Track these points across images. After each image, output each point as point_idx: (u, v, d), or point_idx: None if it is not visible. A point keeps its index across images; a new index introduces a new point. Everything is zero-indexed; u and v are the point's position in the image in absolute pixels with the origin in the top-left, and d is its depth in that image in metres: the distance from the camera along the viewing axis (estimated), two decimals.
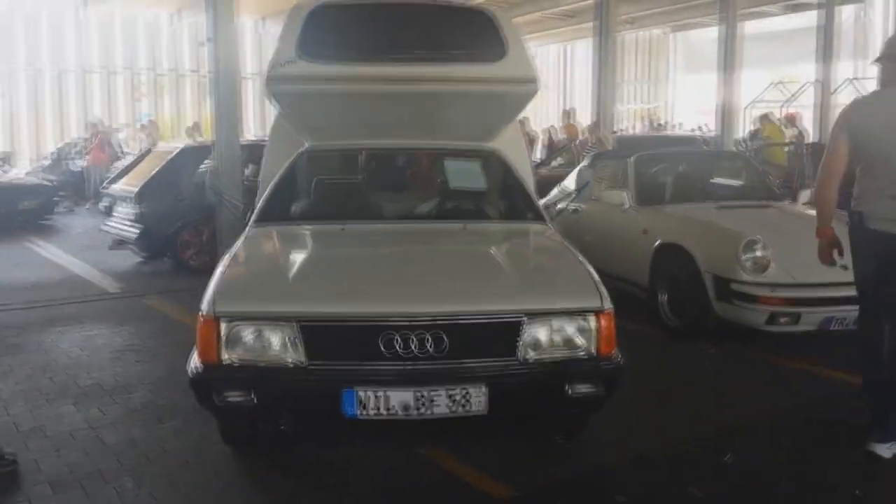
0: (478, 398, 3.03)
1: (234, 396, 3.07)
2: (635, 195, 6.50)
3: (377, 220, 4.49)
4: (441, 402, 3.01)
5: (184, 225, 8.52)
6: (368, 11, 4.60)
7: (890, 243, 3.60)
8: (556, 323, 3.17)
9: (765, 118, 13.82)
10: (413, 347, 3.03)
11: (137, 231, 8.45)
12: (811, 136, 14.25)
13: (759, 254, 5.28)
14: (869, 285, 3.80)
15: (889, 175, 3.60)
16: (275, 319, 3.09)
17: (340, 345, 3.07)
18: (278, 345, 3.08)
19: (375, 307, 3.11)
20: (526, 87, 4.51)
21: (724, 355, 5.40)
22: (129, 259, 9.36)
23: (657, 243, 5.97)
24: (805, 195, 6.83)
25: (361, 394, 3.00)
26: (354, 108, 4.60)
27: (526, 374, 3.10)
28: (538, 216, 4.51)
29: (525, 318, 3.13)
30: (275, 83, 4.37)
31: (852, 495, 3.39)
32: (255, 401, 3.05)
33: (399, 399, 3.00)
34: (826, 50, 14.11)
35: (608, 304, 3.24)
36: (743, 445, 3.83)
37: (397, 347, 3.03)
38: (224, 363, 3.09)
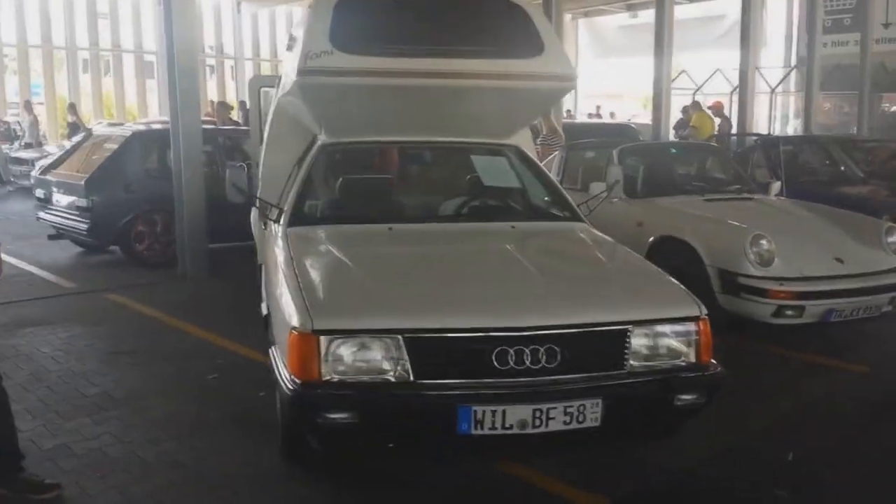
0: (593, 412, 2.96)
1: (339, 415, 2.88)
2: (624, 187, 6.53)
3: (421, 221, 4.32)
4: (557, 417, 2.93)
5: (136, 216, 8.02)
6: (402, 1, 4.39)
7: None
8: (661, 332, 3.12)
9: (695, 106, 14.20)
10: (527, 361, 2.92)
11: (86, 222, 7.88)
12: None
13: (765, 248, 5.41)
14: None
15: None
16: (379, 334, 2.92)
17: (450, 359, 2.93)
18: (383, 360, 2.91)
19: (487, 320, 2.98)
20: (565, 83, 4.45)
21: (733, 349, 5.51)
22: (67, 250, 8.77)
23: (655, 237, 6.03)
24: (776, 187, 7.08)
25: (478, 411, 2.87)
26: (384, 102, 4.39)
27: (637, 385, 3.05)
28: (576, 215, 4.46)
29: (632, 328, 3.07)
30: (310, 75, 4.11)
31: None
32: (361, 419, 2.88)
33: (516, 416, 2.90)
34: (745, 39, 14.56)
35: (705, 311, 3.22)
36: (796, 440, 3.92)
37: (511, 361, 2.91)
38: (326, 381, 2.89)
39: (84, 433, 3.95)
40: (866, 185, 9.02)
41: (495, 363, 2.91)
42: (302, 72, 4.08)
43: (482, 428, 2.88)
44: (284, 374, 3.01)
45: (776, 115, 22.28)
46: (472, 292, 3.26)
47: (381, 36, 4.18)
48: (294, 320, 2.98)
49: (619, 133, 12.17)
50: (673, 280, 3.43)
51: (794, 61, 23.10)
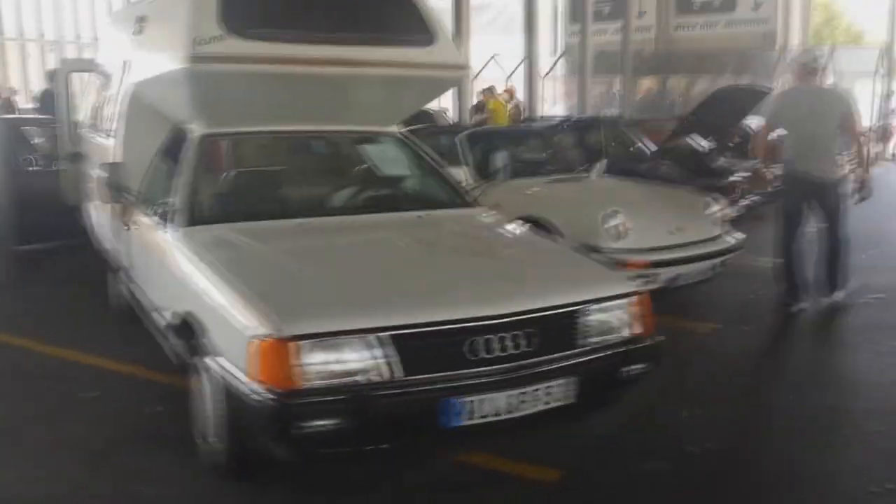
0: (567, 390, 3.06)
1: (324, 421, 2.74)
2: (474, 171, 6.71)
3: (327, 214, 4.16)
4: (538, 399, 3.00)
5: None
6: None
7: None
8: (611, 308, 3.28)
9: (488, 92, 14.76)
10: (508, 347, 2.95)
11: None
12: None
13: (620, 222, 5.82)
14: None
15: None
16: (357, 334, 2.80)
17: (433, 354, 2.88)
18: (367, 361, 2.80)
19: (468, 311, 2.96)
20: (459, 72, 4.49)
21: None
22: None
23: (515, 217, 6.23)
24: (602, 166, 7.59)
25: (460, 402, 2.86)
26: (271, 90, 4.17)
27: (602, 359, 3.19)
28: (471, 199, 4.53)
29: (589, 307, 3.19)
30: (200, 62, 3.79)
31: None
32: (348, 423, 2.75)
33: (500, 402, 2.93)
34: (529, 26, 15.41)
35: (640, 287, 3.42)
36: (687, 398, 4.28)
37: (493, 349, 2.93)
38: (306, 388, 2.72)
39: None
40: (657, 162, 9.95)
41: (475, 353, 2.90)
42: (193, 59, 3.76)
43: (468, 418, 2.88)
44: (247, 386, 2.79)
45: (546, 98, 23.80)
46: (440, 285, 3.23)
47: (274, 20, 3.98)
48: (258, 328, 2.78)
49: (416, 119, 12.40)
50: (600, 262, 3.61)
51: (559, 49, 24.78)
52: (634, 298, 3.36)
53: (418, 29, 4.31)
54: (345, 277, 3.27)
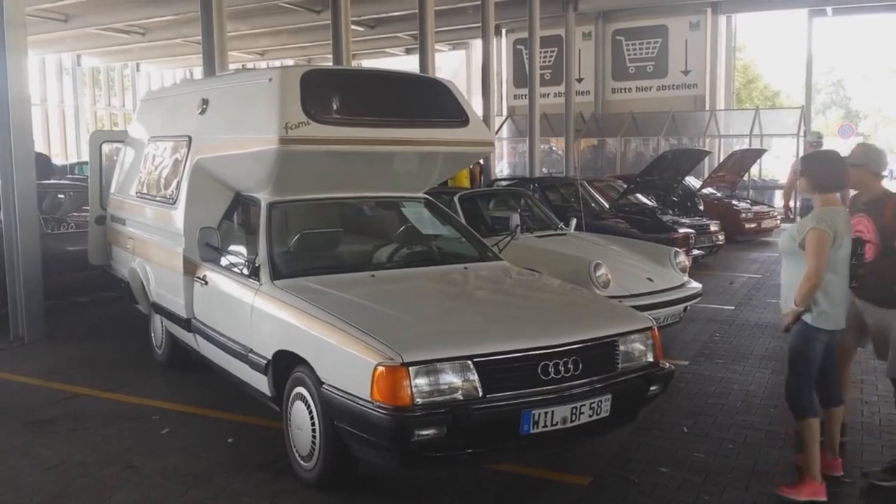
0: (606, 405, 3.86)
1: (429, 432, 3.47)
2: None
3: (388, 267, 4.93)
4: (585, 412, 3.79)
5: None
6: (350, 77, 5.05)
7: None
8: (634, 340, 4.12)
9: None
10: (562, 371, 3.75)
11: None
12: None
13: (603, 272, 6.71)
14: None
15: None
16: (453, 361, 3.57)
17: (509, 375, 3.66)
18: (459, 382, 3.56)
19: (533, 342, 3.76)
20: (488, 147, 5.38)
21: None
22: None
23: None
24: (574, 223, 8.54)
25: (535, 413, 3.63)
26: (335, 164, 4.95)
27: (629, 381, 4.01)
28: (496, 255, 5.38)
29: (619, 339, 4.03)
30: (291, 144, 4.56)
31: None
32: (448, 432, 3.49)
33: (560, 414, 3.71)
34: (485, 89, 16.53)
35: (655, 324, 4.29)
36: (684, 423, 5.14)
37: (551, 373, 3.72)
38: (416, 404, 3.47)
39: None
40: (613, 218, 10.99)
41: (541, 375, 3.70)
42: (284, 140, 4.52)
43: (538, 427, 3.66)
44: (370, 405, 3.51)
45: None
46: (511, 321, 4.06)
47: (345, 108, 4.80)
48: (378, 356, 3.52)
49: None
50: (621, 303, 4.48)
51: (504, 111, 26.18)
52: (652, 332, 4.22)
53: (456, 113, 5.21)
54: (432, 317, 4.09)
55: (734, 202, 15.87)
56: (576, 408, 3.75)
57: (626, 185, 12.82)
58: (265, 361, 4.34)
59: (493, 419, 3.60)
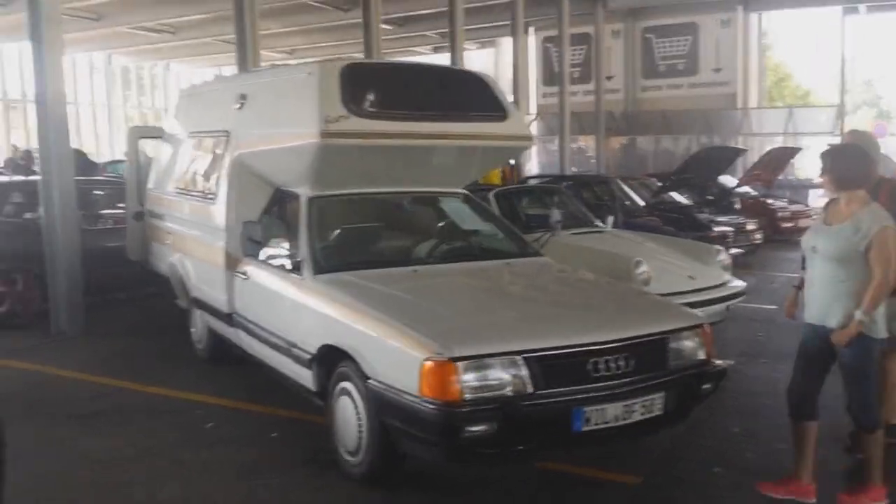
0: (658, 403, 3.78)
1: (480, 427, 3.41)
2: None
3: (430, 262, 4.87)
4: (637, 410, 3.71)
5: None
6: (389, 71, 5.01)
7: None
8: (684, 337, 4.03)
9: None
10: (612, 368, 3.68)
11: None
12: None
13: (644, 270, 6.61)
14: None
15: None
16: (503, 356, 3.51)
17: (559, 371, 3.59)
18: (509, 378, 3.50)
19: (585, 338, 3.69)
20: (526, 142, 5.31)
21: None
22: None
23: None
24: (611, 221, 8.44)
25: (587, 411, 3.57)
26: (374, 159, 4.91)
27: (682, 379, 3.92)
28: (536, 250, 5.31)
29: (670, 336, 3.95)
30: (331, 138, 4.53)
31: None
32: (498, 429, 3.43)
33: (612, 412, 3.63)
34: (516, 93, 16.47)
35: (706, 320, 4.20)
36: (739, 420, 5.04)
37: (602, 370, 3.65)
38: (465, 400, 3.41)
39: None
40: (648, 216, 10.86)
41: (591, 371, 3.63)
42: (324, 134, 4.49)
43: (589, 425, 3.58)
44: (418, 400, 3.46)
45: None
46: (561, 316, 3.98)
47: (385, 102, 4.75)
48: (426, 351, 3.47)
49: None
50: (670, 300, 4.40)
51: (533, 110, 26.08)
52: (704, 329, 4.13)
53: (494, 108, 5.15)
54: (478, 312, 4.02)
55: (770, 201, 15.64)
56: (628, 406, 3.66)
57: (660, 184, 12.71)
58: (309, 356, 4.30)
59: (544, 416, 3.53)
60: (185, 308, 6.53)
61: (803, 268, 3.94)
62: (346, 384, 4.00)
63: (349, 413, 3.97)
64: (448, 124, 4.91)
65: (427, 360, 3.45)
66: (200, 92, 7.00)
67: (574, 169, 22.65)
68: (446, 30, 22.35)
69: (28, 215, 7.91)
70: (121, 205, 8.24)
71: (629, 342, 3.76)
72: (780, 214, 15.00)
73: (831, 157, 3.79)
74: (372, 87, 4.82)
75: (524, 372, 3.52)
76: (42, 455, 4.37)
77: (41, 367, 6.25)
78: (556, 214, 5.96)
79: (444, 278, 4.63)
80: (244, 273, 5.19)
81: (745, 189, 15.25)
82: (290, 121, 4.85)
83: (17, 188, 8.63)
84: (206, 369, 6.18)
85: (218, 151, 5.73)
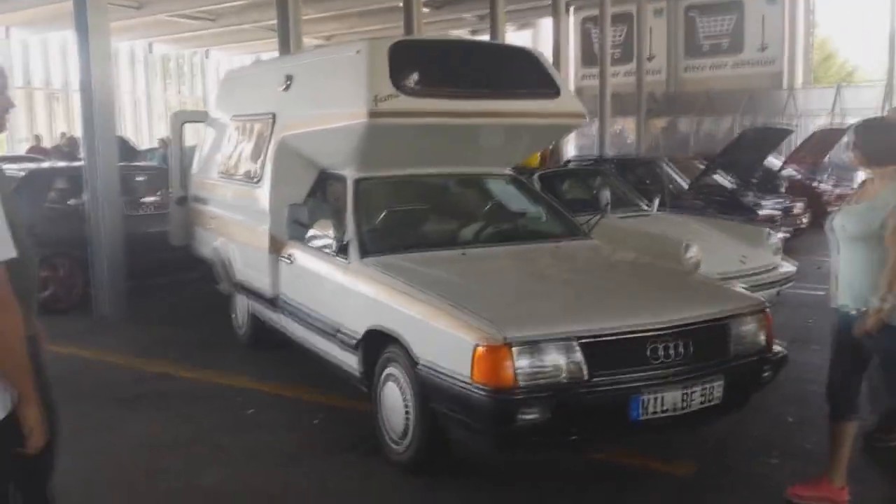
0: (718, 391, 3.62)
1: (534, 414, 3.29)
2: None
3: (478, 245, 4.74)
4: (697, 398, 3.55)
5: (38, 262, 7.47)
6: (438, 48, 4.87)
7: None
8: (745, 321, 3.86)
9: None
10: (672, 353, 3.52)
11: None
12: None
13: (695, 253, 6.41)
14: None
15: None
16: (558, 340, 3.37)
17: (616, 356, 3.45)
18: (563, 363, 3.36)
19: (642, 320, 3.54)
20: (579, 119, 5.13)
21: None
22: None
23: None
24: (657, 203, 8.23)
25: (645, 399, 3.42)
26: (423, 139, 4.79)
27: (742, 365, 3.75)
28: (584, 232, 5.15)
29: (731, 320, 3.78)
30: (380, 117, 4.41)
31: None
32: (552, 416, 3.31)
33: (671, 399, 3.48)
34: (556, 63, 16.21)
35: (768, 305, 4.02)
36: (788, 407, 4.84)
37: (661, 355, 3.50)
38: (520, 386, 3.29)
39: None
40: (692, 199, 10.60)
41: (650, 356, 3.48)
42: (373, 114, 4.37)
43: (647, 413, 3.44)
44: (471, 385, 3.33)
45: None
46: (617, 299, 3.83)
47: (434, 80, 4.61)
48: (478, 334, 3.34)
49: None
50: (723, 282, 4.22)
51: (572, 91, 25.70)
52: (765, 314, 3.95)
53: (546, 84, 4.99)
54: (531, 294, 3.89)
55: (816, 183, 15.22)
56: (687, 393, 3.51)
57: (705, 165, 12.41)
58: (355, 340, 4.21)
59: (600, 403, 3.40)
60: (227, 293, 6.49)
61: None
62: (393, 369, 3.90)
63: (396, 398, 3.87)
64: (499, 101, 4.75)
65: (479, 343, 3.32)
66: (244, 75, 6.94)
67: (611, 152, 22.36)
68: (483, 12, 22.31)
69: (72, 201, 7.95)
70: (162, 191, 8.25)
71: (689, 326, 3.60)
72: (825, 197, 14.58)
73: (861, 131, 3.50)
74: (421, 64, 4.70)
75: (579, 356, 3.38)
76: (88, 439, 4.32)
77: (84, 351, 6.25)
78: (604, 196, 5.77)
79: (494, 261, 4.49)
80: (289, 256, 5.11)
81: (790, 171, 14.88)
82: (337, 100, 4.74)
83: (61, 174, 8.65)
84: (246, 354, 6.14)
85: (263, 134, 5.65)
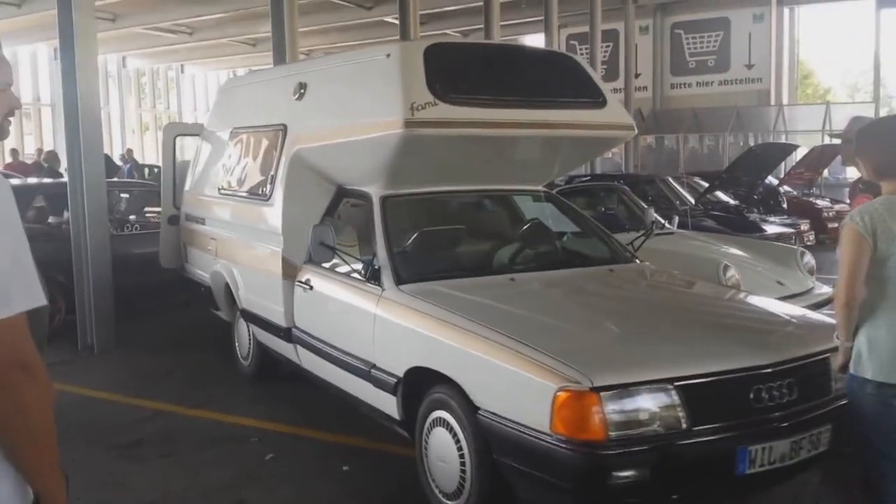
0: (825, 437, 3.15)
1: (629, 473, 2.79)
2: None
3: (523, 270, 4.25)
4: (805, 446, 3.08)
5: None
6: (477, 52, 4.40)
7: None
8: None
9: None
10: (776, 397, 3.05)
11: None
12: None
13: (732, 274, 5.99)
14: None
15: None
16: (652, 384, 2.88)
17: (717, 402, 2.97)
18: (659, 411, 2.87)
19: (743, 361, 3.05)
20: (628, 131, 4.66)
21: None
22: None
23: None
24: (675, 221, 7.82)
25: (752, 450, 2.94)
26: (458, 153, 4.30)
27: (842, 407, 3.27)
28: (633, 254, 4.68)
29: (830, 355, 3.31)
30: (417, 128, 3.90)
31: None
32: (651, 474, 2.81)
33: (780, 449, 3.00)
34: None
35: None
36: None
37: (765, 399, 3.02)
38: (612, 439, 2.79)
39: None
40: (701, 217, 10.24)
41: (754, 401, 3.00)
42: (410, 124, 3.86)
43: (755, 466, 2.95)
44: (542, 436, 2.84)
45: None
46: (710, 336, 3.35)
47: (475, 87, 4.14)
48: (559, 378, 2.84)
49: None
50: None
51: None
52: None
53: (592, 94, 4.52)
54: (609, 330, 3.38)
55: (814, 200, 14.99)
56: (795, 441, 3.04)
57: (706, 183, 12.09)
58: (395, 380, 3.69)
59: (703, 457, 2.91)
60: (228, 320, 5.92)
61: None
62: (443, 413, 3.38)
63: (448, 448, 3.35)
64: (544, 111, 4.25)
65: (561, 389, 2.82)
66: (247, 83, 6.40)
67: (598, 170, 22.02)
68: (467, 28, 21.90)
69: (52, 220, 7.34)
70: (149, 209, 7.67)
71: (793, 364, 3.13)
72: (825, 214, 14.32)
73: (865, 137, 2.86)
74: (460, 69, 4.20)
75: (677, 403, 2.89)
76: (88, 499, 3.73)
77: (70, 386, 5.58)
78: (650, 214, 5.32)
79: (548, 288, 4.00)
80: (306, 282, 4.57)
81: (786, 188, 14.63)
82: (364, 110, 4.22)
83: (40, 191, 8.03)
84: (254, 388, 5.56)
85: (272, 147, 5.10)
